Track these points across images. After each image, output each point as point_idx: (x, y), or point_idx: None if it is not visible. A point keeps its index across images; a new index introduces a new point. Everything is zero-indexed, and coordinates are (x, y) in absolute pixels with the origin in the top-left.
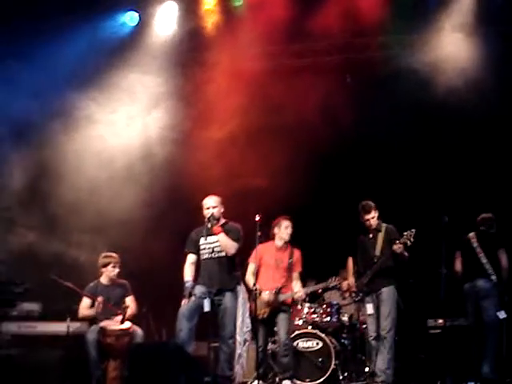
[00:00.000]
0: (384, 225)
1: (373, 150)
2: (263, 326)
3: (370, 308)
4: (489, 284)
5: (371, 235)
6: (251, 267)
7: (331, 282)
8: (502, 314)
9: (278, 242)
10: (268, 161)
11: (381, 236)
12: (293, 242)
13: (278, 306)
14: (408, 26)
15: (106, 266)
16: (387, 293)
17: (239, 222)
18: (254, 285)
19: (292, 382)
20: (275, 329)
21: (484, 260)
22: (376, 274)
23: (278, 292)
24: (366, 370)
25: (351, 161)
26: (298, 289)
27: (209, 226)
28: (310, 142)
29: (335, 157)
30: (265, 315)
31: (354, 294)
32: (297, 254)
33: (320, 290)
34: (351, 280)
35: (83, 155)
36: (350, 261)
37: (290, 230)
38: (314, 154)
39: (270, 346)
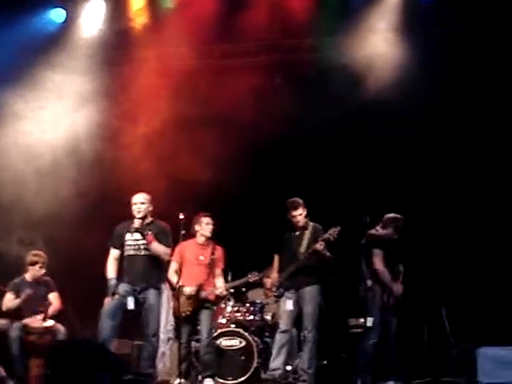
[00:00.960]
0: (311, 223)
1: (303, 148)
2: (186, 324)
3: (289, 303)
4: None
5: (297, 233)
6: (173, 265)
7: (251, 277)
8: (369, 322)
9: (200, 239)
10: (197, 156)
11: (307, 234)
12: (218, 238)
13: (200, 303)
14: (336, 27)
15: (33, 264)
16: (311, 292)
17: (169, 217)
18: (177, 283)
19: (214, 380)
20: (198, 327)
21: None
22: (299, 272)
23: (199, 288)
24: (288, 368)
25: (281, 159)
26: (220, 285)
27: (135, 222)
28: (238, 139)
29: (265, 154)
30: (187, 313)
31: (274, 289)
32: (219, 251)
33: (244, 289)
34: (274, 276)
35: (10, 151)
36: (276, 258)
37: (210, 227)
38: (244, 151)
39: (193, 344)
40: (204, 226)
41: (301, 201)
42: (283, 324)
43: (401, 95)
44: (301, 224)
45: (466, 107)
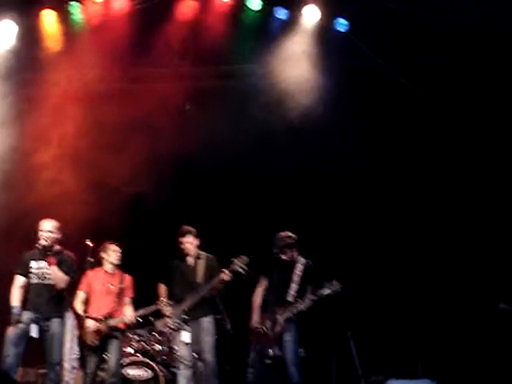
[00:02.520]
0: (204, 253)
1: (215, 175)
2: (93, 352)
3: (187, 337)
4: None
5: (190, 262)
6: (81, 295)
7: (161, 304)
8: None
9: (107, 267)
10: (107, 179)
11: (201, 264)
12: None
13: (108, 332)
14: (253, 53)
15: None
16: (209, 322)
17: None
18: (85, 312)
19: None
20: (106, 356)
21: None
22: (198, 302)
23: (107, 318)
24: None
25: (188, 187)
26: (129, 313)
27: (42, 252)
28: (150, 163)
29: (175, 182)
30: (96, 342)
31: (171, 322)
32: (128, 279)
33: (151, 318)
34: (167, 308)
35: None
36: (162, 287)
37: (118, 254)
38: (153, 179)
39: (99, 373)
40: (111, 254)
41: (192, 229)
42: (187, 360)
43: (316, 121)
44: (191, 253)
45: (374, 138)
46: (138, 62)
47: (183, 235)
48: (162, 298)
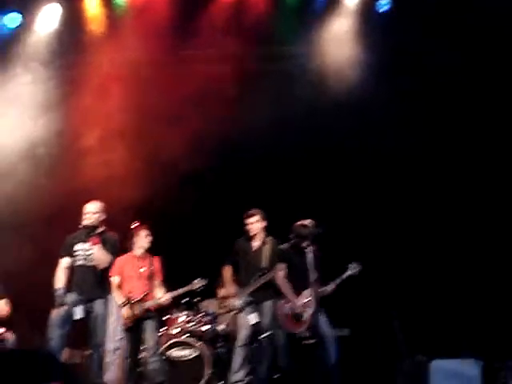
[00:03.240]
0: (270, 238)
1: (261, 158)
2: (132, 334)
3: (253, 318)
4: None
5: (256, 246)
6: (115, 280)
7: (194, 285)
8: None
9: (138, 252)
10: (152, 161)
11: (267, 248)
12: (158, 249)
13: (142, 315)
14: (295, 35)
15: None
16: (269, 306)
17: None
18: (123, 296)
19: None
20: (144, 337)
21: None
22: (261, 286)
23: (140, 301)
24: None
25: (237, 169)
26: (160, 295)
27: (86, 233)
28: (196, 149)
29: (221, 164)
30: (131, 324)
31: (232, 303)
32: (156, 262)
33: (197, 299)
34: (231, 288)
35: None
36: (228, 269)
37: (150, 238)
38: (202, 156)
39: (141, 354)
40: (143, 238)
41: (259, 211)
42: (244, 338)
43: (360, 99)
44: (255, 233)
45: (419, 111)
46: (182, 44)
47: (249, 217)
48: (197, 280)
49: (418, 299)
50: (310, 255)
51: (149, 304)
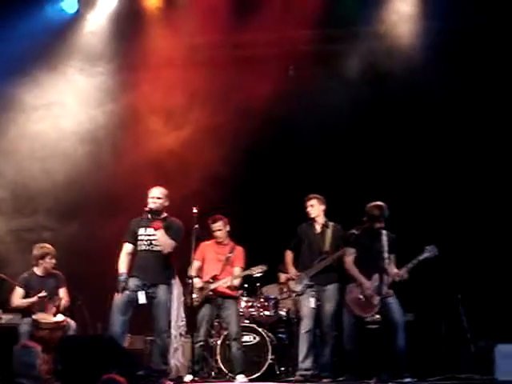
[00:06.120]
0: (331, 223)
1: (321, 142)
2: (202, 318)
3: (312, 302)
4: None
5: (318, 230)
6: (195, 264)
7: (255, 270)
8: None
9: (219, 239)
10: (215, 149)
11: (329, 232)
12: (238, 238)
13: (208, 295)
14: (351, 18)
15: (43, 257)
16: (332, 290)
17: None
18: (197, 277)
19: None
20: (224, 324)
21: None
22: (323, 270)
23: (212, 279)
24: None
25: (298, 154)
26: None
27: (149, 217)
28: (251, 133)
29: (281, 150)
30: (196, 302)
31: (292, 286)
32: (239, 250)
33: (258, 284)
34: (293, 272)
35: (36, 138)
36: (290, 254)
37: (227, 228)
38: (257, 146)
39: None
40: (220, 226)
41: (317, 195)
42: (308, 323)
43: (419, 85)
44: (314, 216)
45: (476, 102)
46: (239, 28)
47: (308, 200)
48: (258, 266)
49: (482, 283)
50: (383, 238)
51: (215, 285)
